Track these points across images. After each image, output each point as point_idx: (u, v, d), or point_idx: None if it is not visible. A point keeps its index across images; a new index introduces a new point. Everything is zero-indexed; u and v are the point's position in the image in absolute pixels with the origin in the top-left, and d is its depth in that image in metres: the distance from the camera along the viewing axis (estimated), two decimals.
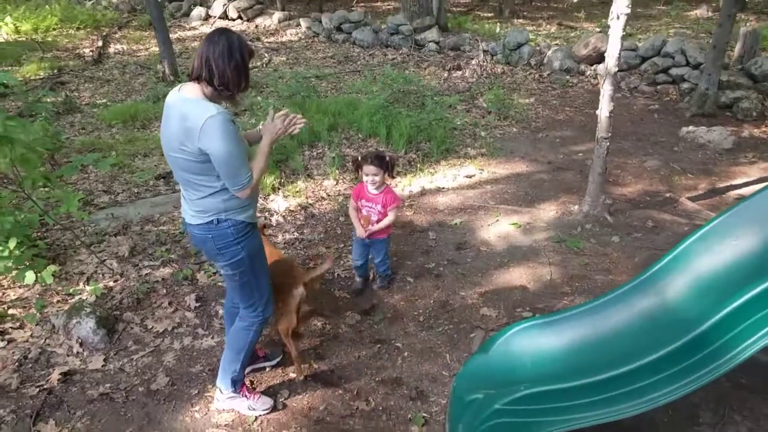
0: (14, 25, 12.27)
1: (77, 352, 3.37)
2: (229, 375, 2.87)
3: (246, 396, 2.95)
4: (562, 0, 18.09)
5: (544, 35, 12.20)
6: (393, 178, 4.79)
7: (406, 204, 5.28)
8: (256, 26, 13.43)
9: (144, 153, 6.32)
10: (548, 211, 5.13)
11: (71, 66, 10.00)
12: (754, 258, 2.64)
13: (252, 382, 3.17)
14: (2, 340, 3.42)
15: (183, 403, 3.05)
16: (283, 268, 3.19)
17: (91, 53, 10.80)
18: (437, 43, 11.08)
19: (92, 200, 5.24)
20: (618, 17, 4.28)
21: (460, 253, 4.50)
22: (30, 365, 3.27)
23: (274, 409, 2.99)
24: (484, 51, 10.08)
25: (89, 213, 4.88)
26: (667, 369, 2.23)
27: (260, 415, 2.94)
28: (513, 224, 4.88)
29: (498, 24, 13.18)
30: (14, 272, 3.80)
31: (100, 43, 11.46)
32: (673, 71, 8.64)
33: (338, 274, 4.22)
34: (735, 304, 2.19)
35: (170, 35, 9.31)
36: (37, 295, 3.86)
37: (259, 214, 4.81)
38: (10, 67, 9.67)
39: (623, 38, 4.37)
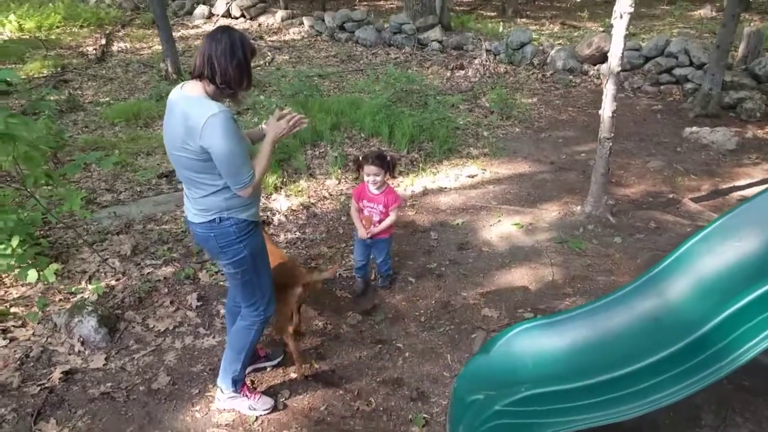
0: (18, 22, 12.31)
1: (79, 351, 3.37)
2: (230, 375, 2.87)
3: (247, 396, 2.95)
4: None
5: (547, 35, 12.18)
6: (394, 178, 4.79)
7: (408, 204, 5.28)
8: (259, 25, 13.44)
9: (147, 151, 6.32)
10: (550, 212, 5.12)
11: (74, 64, 10.01)
12: (756, 259, 2.63)
13: (253, 382, 3.17)
14: (4, 339, 3.43)
15: (184, 402, 3.05)
16: (284, 267, 3.19)
17: (94, 51, 10.82)
18: (440, 42, 11.06)
19: (95, 199, 5.24)
20: (621, 16, 4.26)
21: (461, 253, 4.49)
22: (31, 364, 3.27)
23: (274, 409, 2.99)
24: (487, 50, 10.06)
25: (92, 211, 4.89)
26: (669, 370, 2.22)
27: (261, 415, 2.94)
28: (515, 225, 4.87)
29: (501, 23, 13.17)
30: (17, 270, 3.80)
31: (103, 41, 11.48)
32: (677, 71, 8.61)
33: (340, 274, 4.21)
34: (737, 306, 2.18)
35: (173, 33, 9.32)
36: (39, 294, 3.86)
37: (261, 213, 4.80)
38: (13, 65, 9.70)
39: (626, 38, 4.36)
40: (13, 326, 3.56)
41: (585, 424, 2.27)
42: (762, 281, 2.17)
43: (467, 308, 3.83)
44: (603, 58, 8.69)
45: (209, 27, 13.14)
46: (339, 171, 5.75)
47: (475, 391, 2.61)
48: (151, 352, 3.41)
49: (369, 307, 3.86)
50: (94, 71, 9.66)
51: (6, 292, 3.90)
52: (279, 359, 3.31)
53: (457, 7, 16.64)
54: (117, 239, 4.54)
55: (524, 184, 5.73)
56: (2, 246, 3.69)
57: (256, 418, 2.93)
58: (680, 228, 4.77)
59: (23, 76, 8.90)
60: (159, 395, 3.09)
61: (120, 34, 12.66)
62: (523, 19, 14.54)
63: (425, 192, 5.54)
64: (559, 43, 10.60)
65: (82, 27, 12.97)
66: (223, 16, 13.79)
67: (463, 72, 9.55)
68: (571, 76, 9.36)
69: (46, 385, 3.11)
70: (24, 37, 11.82)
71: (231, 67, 2.33)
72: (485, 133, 7.01)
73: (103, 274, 4.10)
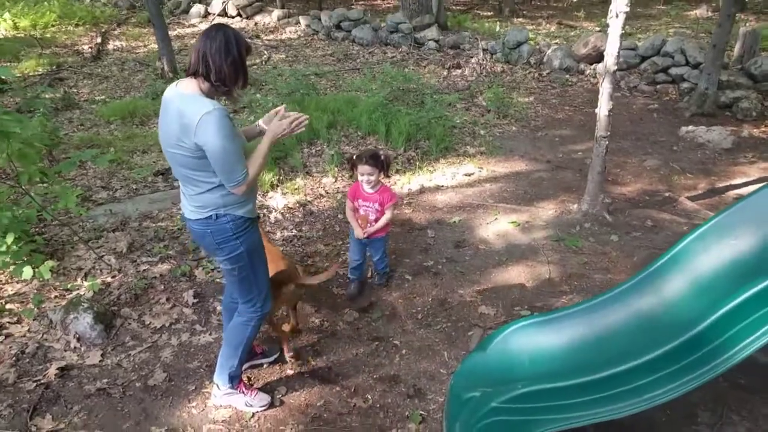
0: (13, 21, 12.25)
1: (74, 348, 3.36)
2: (227, 371, 2.87)
3: (243, 392, 2.94)
4: None
5: (544, 34, 12.20)
6: (388, 177, 4.77)
7: (405, 202, 5.28)
8: (256, 24, 13.42)
9: (142, 149, 6.31)
10: (547, 210, 5.12)
11: (70, 62, 9.97)
12: (752, 257, 2.64)
13: (249, 379, 3.17)
14: (0, 335, 3.43)
15: (180, 398, 3.04)
16: (280, 266, 3.18)
17: (89, 50, 10.77)
18: (437, 41, 11.07)
19: (90, 196, 5.23)
20: (617, 15, 4.27)
21: (458, 251, 4.50)
22: (27, 360, 3.26)
23: (271, 405, 2.98)
24: (484, 50, 10.07)
25: (87, 209, 4.87)
26: (665, 368, 2.23)
27: (257, 412, 2.94)
28: (512, 223, 4.88)
29: (498, 23, 13.17)
30: (12, 267, 3.78)
31: (98, 40, 11.43)
32: (673, 71, 8.64)
33: (336, 272, 4.20)
34: (733, 304, 2.19)
35: (169, 32, 9.30)
36: (35, 291, 3.85)
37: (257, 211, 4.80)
38: (8, 63, 9.66)
39: (623, 37, 4.36)
40: (9, 323, 3.54)
41: (581, 422, 2.27)
42: (758, 279, 2.18)
43: (464, 306, 3.83)
44: (599, 57, 8.71)
45: (205, 26, 13.08)
46: (336, 169, 5.75)
47: (472, 388, 2.62)
48: (148, 349, 3.40)
49: (366, 305, 3.86)
50: (90, 69, 9.62)
51: (1, 288, 3.89)
52: (275, 356, 3.31)
53: (453, 7, 16.65)
54: (113, 236, 4.52)
55: (521, 182, 5.74)
56: None
57: (253, 414, 2.93)
58: (676, 226, 4.79)
59: (18, 75, 8.86)
60: (155, 391, 3.09)
61: (116, 32, 12.62)
62: (520, 19, 14.56)
63: (422, 190, 5.54)
64: (556, 43, 10.61)
65: (77, 25, 12.92)
66: (219, 14, 13.76)
67: (459, 71, 9.55)
68: (567, 76, 9.38)
69: (42, 382, 3.10)
70: (19, 35, 11.76)
71: (226, 65, 2.33)
72: (482, 132, 7.02)
73: (98, 271, 4.09)
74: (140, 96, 8.14)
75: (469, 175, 5.88)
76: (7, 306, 3.69)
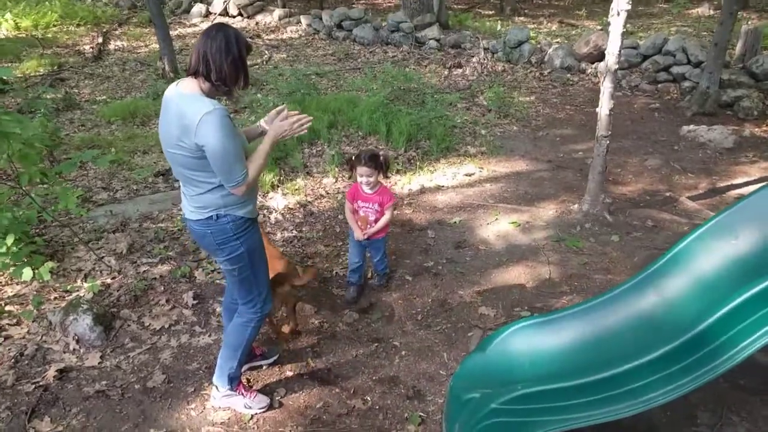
0: (14, 21, 12.27)
1: (74, 349, 3.36)
2: (226, 372, 2.86)
3: (242, 394, 2.94)
4: None
5: (545, 33, 12.18)
6: (388, 178, 4.76)
7: (406, 202, 5.27)
8: (257, 23, 13.41)
9: (143, 150, 6.31)
10: (548, 210, 5.11)
11: (71, 63, 9.98)
12: (752, 257, 2.62)
13: (249, 380, 3.16)
14: None
15: (179, 400, 3.04)
16: (276, 266, 3.18)
17: (91, 50, 10.78)
18: (438, 40, 11.05)
19: (91, 197, 5.23)
20: (618, 13, 4.26)
21: (458, 251, 4.49)
22: (26, 362, 3.26)
23: (270, 407, 2.98)
24: (485, 49, 10.05)
25: (87, 210, 4.87)
26: (665, 369, 2.21)
27: (256, 414, 2.93)
28: (512, 223, 4.87)
29: (499, 22, 13.15)
30: (12, 269, 3.78)
31: (100, 40, 11.45)
32: (674, 69, 8.61)
33: (336, 273, 4.20)
34: (733, 304, 2.17)
35: (170, 32, 9.30)
36: (35, 292, 3.85)
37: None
38: (9, 64, 9.67)
39: (624, 36, 4.35)
40: (8, 324, 3.55)
41: (581, 423, 2.26)
42: (758, 279, 2.16)
43: (464, 306, 3.82)
44: (601, 56, 8.68)
45: (206, 25, 13.09)
46: (336, 169, 5.74)
47: (472, 390, 2.60)
48: (147, 351, 3.39)
49: (365, 306, 3.85)
50: (91, 70, 9.63)
51: (1, 290, 3.89)
52: (275, 357, 3.31)
53: (454, 6, 16.62)
54: (113, 237, 4.52)
55: (521, 182, 5.72)
56: None
57: (252, 416, 2.92)
58: (677, 226, 4.77)
59: (19, 75, 8.87)
60: (154, 393, 3.08)
61: (117, 32, 12.63)
62: (521, 18, 14.53)
63: (422, 190, 5.53)
64: (557, 42, 10.59)
65: (78, 25, 12.94)
66: (220, 14, 13.76)
67: (460, 70, 9.54)
68: (568, 75, 9.36)
69: (41, 383, 3.10)
70: (20, 35, 11.78)
71: (226, 64, 2.32)
72: (483, 132, 7.01)
73: (98, 273, 4.09)
74: (141, 96, 8.14)
75: (470, 175, 5.87)
76: (7, 307, 3.69)
